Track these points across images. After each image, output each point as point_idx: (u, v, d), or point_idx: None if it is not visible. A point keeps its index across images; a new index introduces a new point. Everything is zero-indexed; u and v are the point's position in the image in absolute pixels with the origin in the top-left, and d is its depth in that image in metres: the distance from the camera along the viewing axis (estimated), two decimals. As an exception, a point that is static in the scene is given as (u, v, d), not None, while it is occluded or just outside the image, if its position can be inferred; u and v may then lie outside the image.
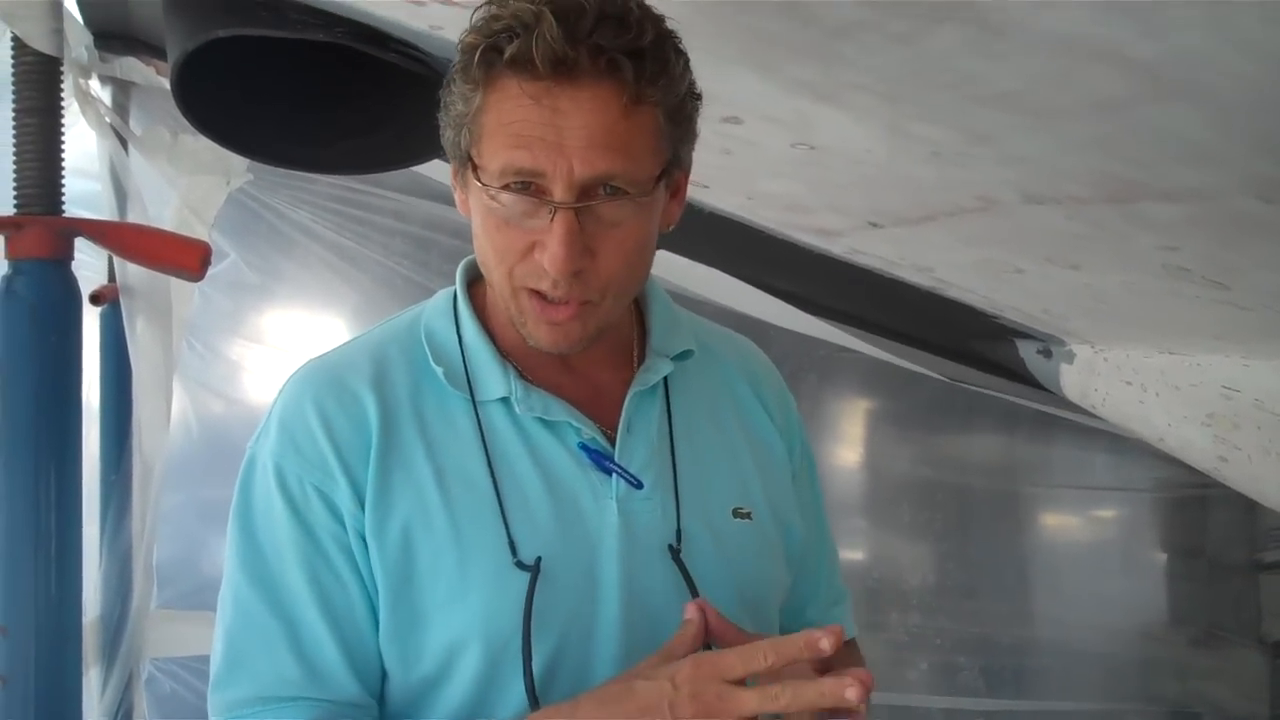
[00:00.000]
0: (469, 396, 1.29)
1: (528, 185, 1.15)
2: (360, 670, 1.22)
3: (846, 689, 1.04)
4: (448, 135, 1.22)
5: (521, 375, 1.30)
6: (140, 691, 3.20)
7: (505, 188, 1.16)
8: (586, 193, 1.15)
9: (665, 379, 1.37)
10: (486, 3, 1.18)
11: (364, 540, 1.23)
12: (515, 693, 1.20)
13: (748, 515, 1.37)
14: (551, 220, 1.15)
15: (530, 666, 1.19)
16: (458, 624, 1.20)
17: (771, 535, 1.39)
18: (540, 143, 1.13)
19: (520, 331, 1.25)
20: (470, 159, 1.19)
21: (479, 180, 1.17)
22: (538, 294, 1.21)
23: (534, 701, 1.18)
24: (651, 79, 1.15)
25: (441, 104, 1.23)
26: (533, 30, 1.11)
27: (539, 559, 1.22)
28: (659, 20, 1.17)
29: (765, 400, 1.48)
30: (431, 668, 1.22)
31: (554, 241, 1.15)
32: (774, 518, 1.40)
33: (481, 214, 1.20)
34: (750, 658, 1.08)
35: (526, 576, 1.21)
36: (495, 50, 1.13)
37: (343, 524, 1.23)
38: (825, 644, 1.05)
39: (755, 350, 1.55)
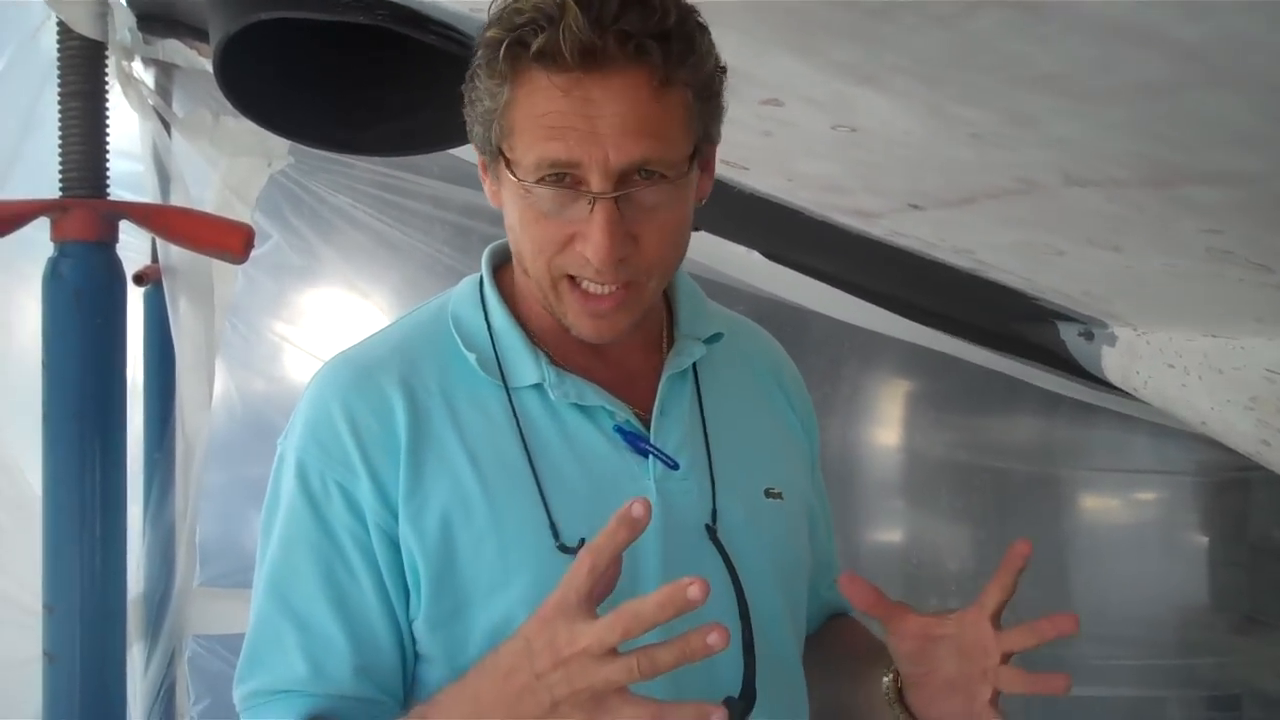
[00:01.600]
0: (501, 383, 1.30)
1: (563, 177, 1.16)
2: (371, 668, 1.24)
3: (709, 635, 1.03)
4: (476, 130, 1.23)
5: (553, 361, 1.31)
6: (183, 668, 3.24)
7: (541, 181, 1.17)
8: (623, 179, 1.16)
9: (694, 363, 1.39)
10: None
11: (387, 536, 1.24)
12: None
13: (779, 495, 1.40)
14: (591, 210, 1.16)
15: None
16: (502, 609, 1.22)
17: (799, 515, 1.44)
18: (573, 133, 1.14)
19: (562, 321, 1.27)
20: (502, 153, 1.20)
21: (513, 174, 1.18)
22: (578, 287, 1.22)
23: None
24: (679, 59, 1.16)
25: (466, 99, 1.23)
26: (558, 22, 1.11)
27: (582, 540, 1.23)
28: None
29: (785, 387, 1.53)
30: (476, 654, 1.22)
31: (596, 231, 1.16)
32: (800, 499, 1.44)
33: (518, 207, 1.21)
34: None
35: (569, 559, 1.20)
36: (520, 44, 1.14)
37: (363, 521, 1.24)
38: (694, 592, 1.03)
39: (772, 339, 1.58)
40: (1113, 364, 2.64)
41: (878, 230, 2.35)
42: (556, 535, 1.24)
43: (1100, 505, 4.06)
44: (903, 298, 3.08)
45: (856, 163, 1.91)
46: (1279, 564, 3.74)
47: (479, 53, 1.19)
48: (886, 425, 4.13)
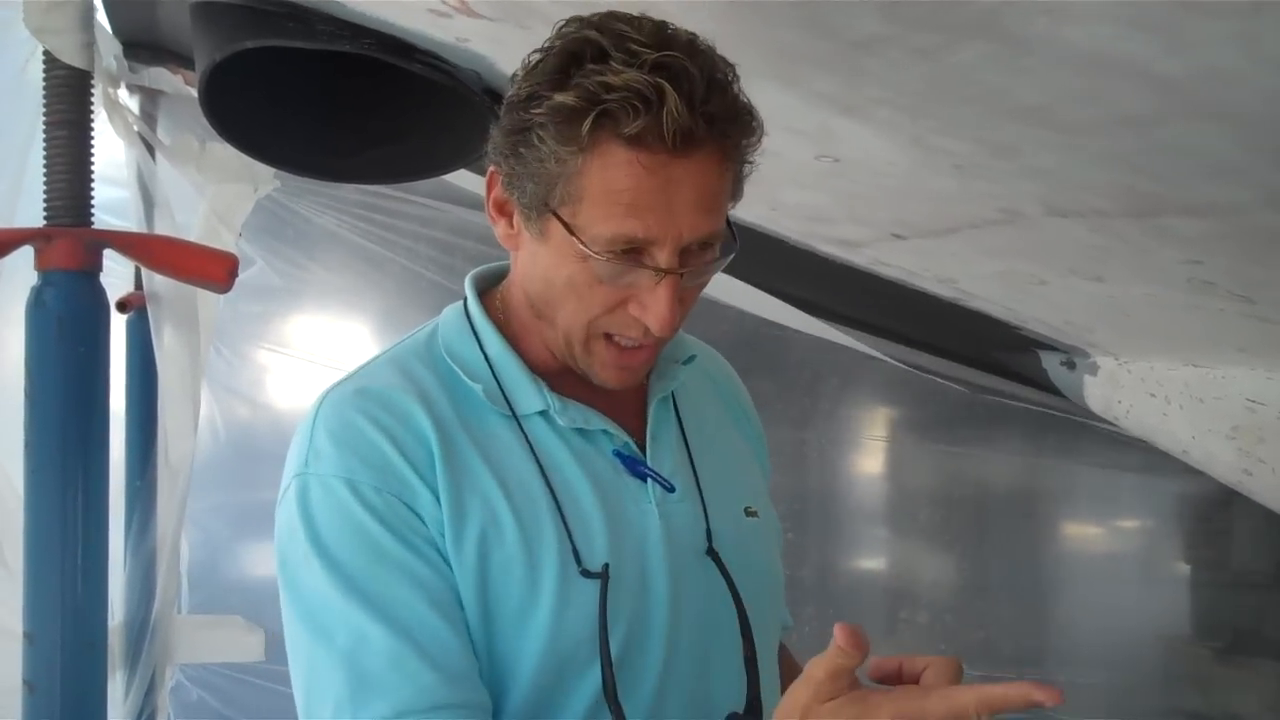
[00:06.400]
0: (508, 412, 1.30)
1: (630, 249, 1.18)
2: (478, 665, 1.22)
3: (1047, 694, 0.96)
4: (528, 187, 1.21)
5: (551, 387, 1.32)
6: (165, 696, 3.22)
7: (611, 254, 1.18)
8: (685, 252, 1.19)
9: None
10: (546, 52, 1.19)
11: (445, 543, 1.23)
12: (578, 695, 1.23)
13: (755, 514, 1.43)
14: (657, 283, 1.19)
15: (611, 672, 1.21)
16: (528, 634, 1.22)
17: (772, 533, 1.47)
18: (652, 212, 1.16)
19: (583, 370, 1.29)
20: (558, 216, 1.19)
21: (578, 240, 1.18)
22: (613, 341, 1.25)
23: (615, 707, 1.20)
24: (743, 138, 1.20)
25: (510, 150, 1.22)
26: (655, 105, 1.12)
27: (606, 566, 1.24)
28: (732, 67, 1.20)
29: (745, 411, 1.57)
30: (498, 676, 1.23)
31: (661, 305, 1.20)
32: (770, 517, 1.47)
33: (568, 270, 1.22)
34: (956, 711, 0.99)
35: (591, 584, 1.23)
36: (608, 117, 1.13)
37: (428, 528, 1.23)
38: (1044, 697, 0.96)
39: (724, 360, 1.61)
40: (1095, 393, 2.65)
41: (861, 259, 2.36)
42: (579, 560, 1.24)
43: (1082, 532, 4.06)
44: (887, 326, 3.09)
45: (840, 193, 1.92)
46: (1261, 592, 3.75)
47: (540, 112, 1.17)
48: (868, 447, 4.13)
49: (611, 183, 1.15)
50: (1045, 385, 2.87)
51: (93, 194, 2.48)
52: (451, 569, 1.23)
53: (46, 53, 2.41)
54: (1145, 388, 2.43)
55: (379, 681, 1.18)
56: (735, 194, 1.25)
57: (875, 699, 1.02)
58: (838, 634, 1.02)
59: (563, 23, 1.20)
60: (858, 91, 1.41)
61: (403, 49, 2.02)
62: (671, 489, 1.34)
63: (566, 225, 1.19)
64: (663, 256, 1.18)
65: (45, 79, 2.44)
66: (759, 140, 1.23)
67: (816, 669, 1.03)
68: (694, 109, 1.13)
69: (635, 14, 1.19)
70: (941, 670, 1.04)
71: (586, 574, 1.24)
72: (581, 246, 1.18)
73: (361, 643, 1.19)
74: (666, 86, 1.12)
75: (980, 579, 3.91)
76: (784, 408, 3.95)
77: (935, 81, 1.28)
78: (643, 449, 1.36)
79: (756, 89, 1.22)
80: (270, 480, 1.32)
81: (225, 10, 2.07)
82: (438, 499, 1.23)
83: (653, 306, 1.20)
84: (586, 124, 1.14)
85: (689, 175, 1.16)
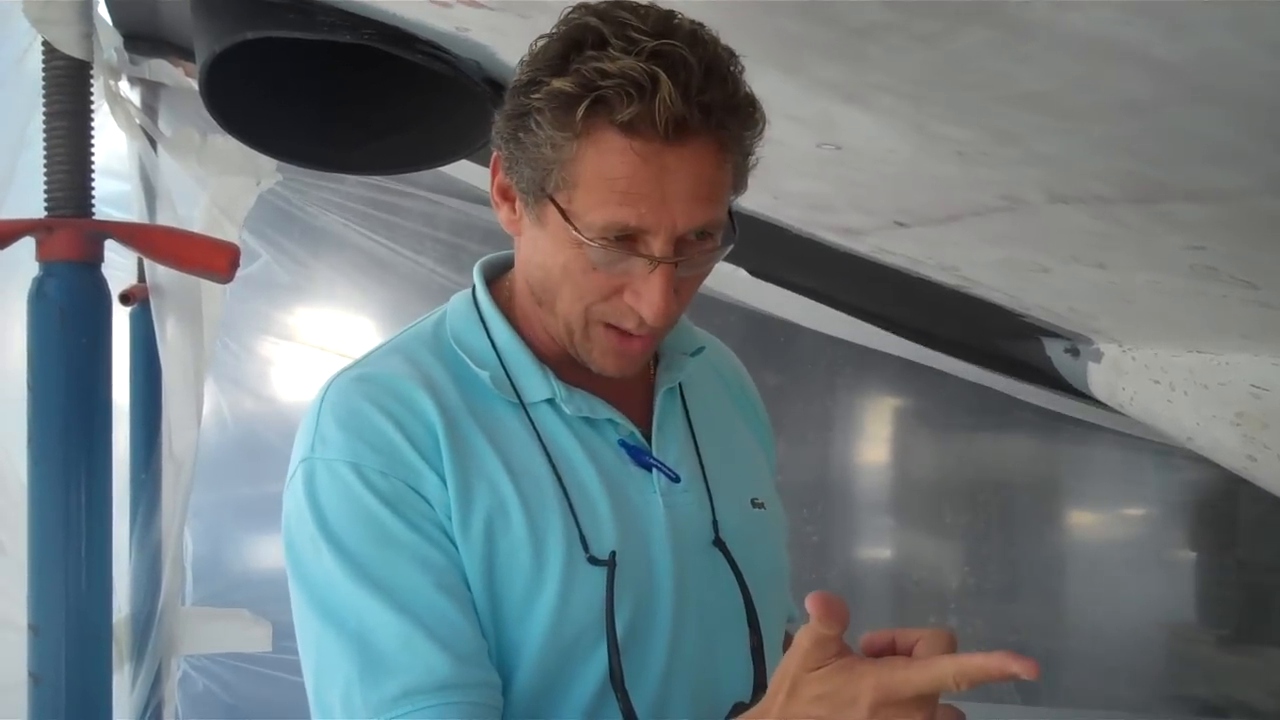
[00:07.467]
0: (515, 399, 1.31)
1: (624, 237, 1.18)
2: (486, 645, 1.23)
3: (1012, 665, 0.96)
4: (523, 172, 1.22)
5: (558, 376, 1.32)
6: (172, 688, 3.23)
7: (605, 241, 1.18)
8: (681, 242, 1.19)
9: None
10: (550, 37, 1.19)
11: (452, 527, 1.24)
12: (582, 681, 1.24)
13: (762, 505, 1.44)
14: (651, 272, 1.19)
15: (618, 660, 1.22)
16: (532, 619, 1.23)
17: (778, 524, 1.47)
18: (646, 200, 1.16)
19: (582, 358, 1.29)
20: (554, 201, 1.20)
21: (571, 225, 1.18)
22: (613, 328, 1.25)
23: (622, 696, 1.21)
24: (743, 129, 1.20)
25: (508, 135, 1.22)
26: (649, 92, 1.12)
27: (614, 553, 1.25)
28: (737, 59, 1.19)
29: (752, 402, 1.57)
30: (504, 660, 1.23)
31: (654, 293, 1.20)
32: (776, 508, 1.48)
33: (564, 255, 1.22)
34: (936, 681, 0.99)
35: (597, 571, 1.24)
36: (602, 103, 1.14)
37: (434, 510, 1.23)
38: (1021, 669, 0.96)
39: (731, 353, 1.61)
40: (1099, 380, 2.64)
41: (863, 248, 2.36)
42: (586, 547, 1.25)
43: (1088, 520, 4.07)
44: (889, 315, 3.08)
45: (842, 180, 1.91)
46: (1266, 579, 3.75)
47: (538, 97, 1.17)
48: (878, 440, 4.13)
49: (606, 170, 1.16)
50: (1049, 373, 2.86)
51: (93, 185, 2.48)
52: (459, 552, 1.23)
53: (46, 43, 2.42)
54: (1149, 374, 2.43)
55: (388, 662, 1.18)
56: (738, 185, 1.25)
57: (861, 668, 1.01)
58: (810, 605, 1.01)
59: (569, 9, 1.20)
60: (859, 79, 1.40)
61: (403, 39, 2.02)
62: (676, 479, 1.34)
63: (562, 211, 1.19)
64: (657, 245, 1.18)
65: (44, 69, 2.45)
66: (761, 132, 1.23)
67: (803, 638, 1.03)
68: (689, 98, 1.13)
69: (643, 2, 1.19)
70: (933, 643, 1.04)
71: (593, 561, 1.24)
72: (575, 233, 1.18)
73: (370, 626, 1.20)
74: (661, 74, 1.12)
75: (1007, 578, 3.91)
76: (803, 405, 3.96)
77: (937, 68, 1.27)
78: (649, 439, 1.36)
79: (758, 76, 1.22)
80: (276, 474, 1.32)
81: (225, 2, 2.07)
82: (444, 483, 1.24)
83: (647, 295, 1.20)
84: (581, 110, 1.14)
85: (683, 164, 1.16)
